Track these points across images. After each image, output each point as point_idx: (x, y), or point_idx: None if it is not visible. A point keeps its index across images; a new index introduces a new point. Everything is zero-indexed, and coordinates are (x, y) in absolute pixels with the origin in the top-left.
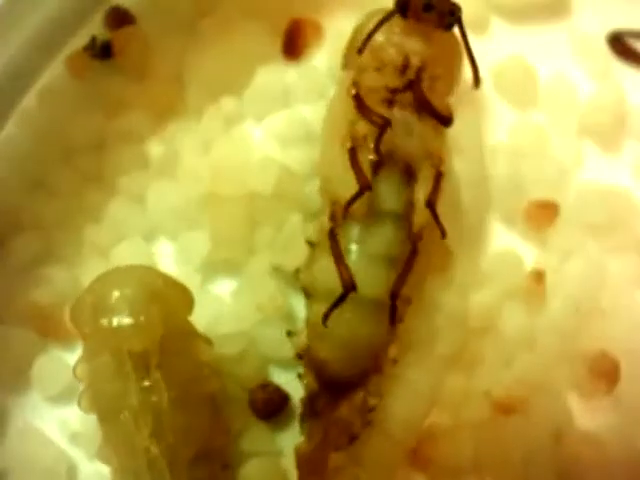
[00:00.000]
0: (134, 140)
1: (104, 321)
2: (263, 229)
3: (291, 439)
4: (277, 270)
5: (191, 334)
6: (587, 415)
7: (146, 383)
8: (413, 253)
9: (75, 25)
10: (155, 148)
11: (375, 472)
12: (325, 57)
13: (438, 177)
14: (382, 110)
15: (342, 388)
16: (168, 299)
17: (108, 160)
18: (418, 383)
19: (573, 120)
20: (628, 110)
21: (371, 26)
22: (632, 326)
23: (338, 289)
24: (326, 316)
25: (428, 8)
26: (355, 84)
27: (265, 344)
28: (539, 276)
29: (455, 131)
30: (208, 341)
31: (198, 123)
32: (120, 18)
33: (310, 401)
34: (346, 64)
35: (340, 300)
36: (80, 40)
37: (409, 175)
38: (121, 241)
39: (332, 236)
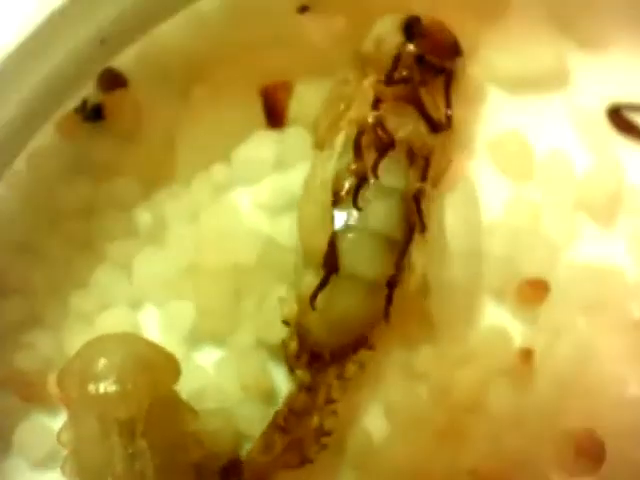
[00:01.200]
0: (123, 207)
1: (91, 387)
2: (248, 301)
3: None
4: (261, 344)
5: (176, 403)
6: None
7: (131, 451)
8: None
9: (69, 88)
10: (143, 215)
11: None
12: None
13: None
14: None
15: (325, 360)
16: (155, 368)
17: (96, 226)
18: (402, 459)
19: (569, 196)
20: (625, 185)
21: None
22: (619, 405)
23: None
24: (314, 296)
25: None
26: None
27: (243, 422)
28: (527, 355)
29: (450, 205)
30: (193, 411)
31: (187, 191)
32: (113, 81)
33: (284, 414)
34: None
35: (324, 283)
36: (72, 101)
37: (411, 157)
38: (107, 308)
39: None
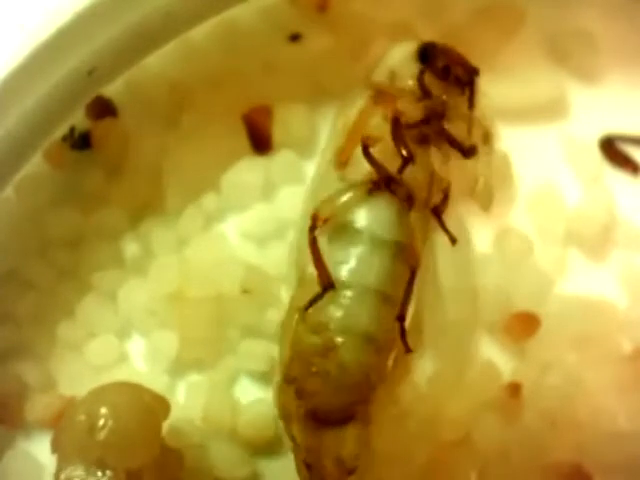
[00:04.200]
0: (110, 236)
1: (101, 438)
2: (231, 332)
3: None
4: (241, 375)
5: (166, 448)
6: None
7: None
8: (412, 277)
9: (57, 118)
10: (131, 245)
11: None
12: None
13: (445, 195)
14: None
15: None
16: (157, 415)
17: (83, 256)
18: None
19: (560, 228)
20: (617, 218)
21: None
22: (607, 440)
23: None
24: (309, 306)
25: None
26: (395, 111)
27: (217, 460)
28: (516, 389)
29: (440, 243)
30: (180, 455)
31: (175, 220)
32: (103, 109)
33: None
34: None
35: (320, 296)
36: (60, 130)
37: (410, 203)
38: (94, 337)
39: (313, 242)
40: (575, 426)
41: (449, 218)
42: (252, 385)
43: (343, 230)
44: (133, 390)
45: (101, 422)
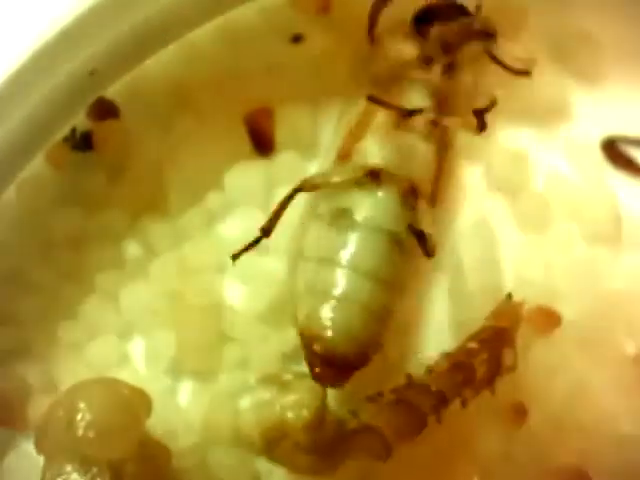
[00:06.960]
0: (112, 237)
1: (79, 432)
2: (234, 345)
3: None
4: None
5: (149, 443)
6: None
7: None
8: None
9: (59, 120)
10: (132, 246)
11: None
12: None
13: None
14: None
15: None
16: (135, 408)
17: (85, 257)
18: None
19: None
20: (620, 219)
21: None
22: (610, 443)
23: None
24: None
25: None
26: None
27: (220, 466)
28: (521, 410)
29: (467, 245)
30: (166, 450)
31: (177, 221)
32: (105, 110)
33: None
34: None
35: (254, 243)
36: (62, 131)
37: (414, 196)
38: (95, 338)
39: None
40: (578, 429)
41: (474, 221)
42: (255, 388)
43: (342, 216)
44: (111, 384)
45: (79, 416)
